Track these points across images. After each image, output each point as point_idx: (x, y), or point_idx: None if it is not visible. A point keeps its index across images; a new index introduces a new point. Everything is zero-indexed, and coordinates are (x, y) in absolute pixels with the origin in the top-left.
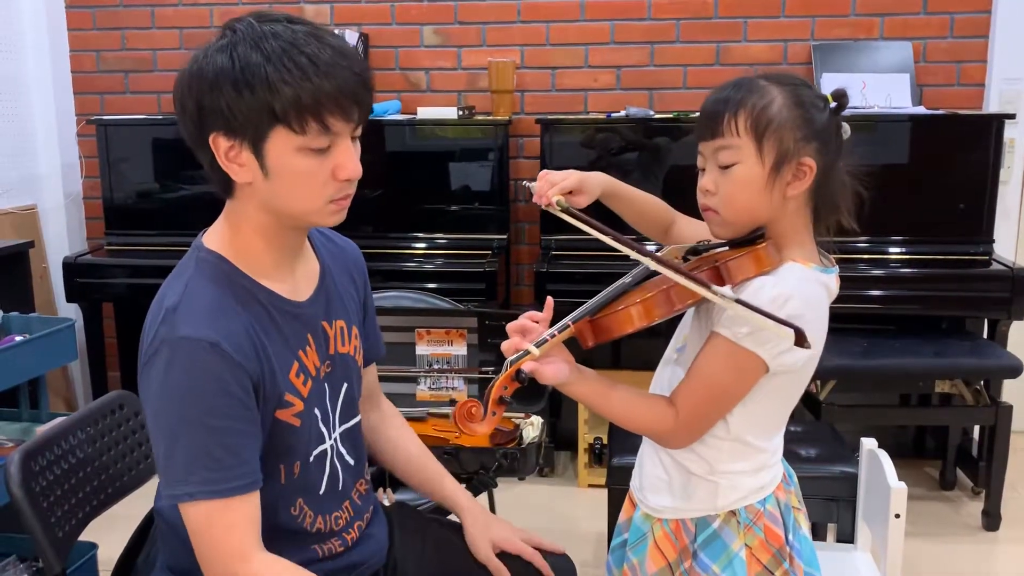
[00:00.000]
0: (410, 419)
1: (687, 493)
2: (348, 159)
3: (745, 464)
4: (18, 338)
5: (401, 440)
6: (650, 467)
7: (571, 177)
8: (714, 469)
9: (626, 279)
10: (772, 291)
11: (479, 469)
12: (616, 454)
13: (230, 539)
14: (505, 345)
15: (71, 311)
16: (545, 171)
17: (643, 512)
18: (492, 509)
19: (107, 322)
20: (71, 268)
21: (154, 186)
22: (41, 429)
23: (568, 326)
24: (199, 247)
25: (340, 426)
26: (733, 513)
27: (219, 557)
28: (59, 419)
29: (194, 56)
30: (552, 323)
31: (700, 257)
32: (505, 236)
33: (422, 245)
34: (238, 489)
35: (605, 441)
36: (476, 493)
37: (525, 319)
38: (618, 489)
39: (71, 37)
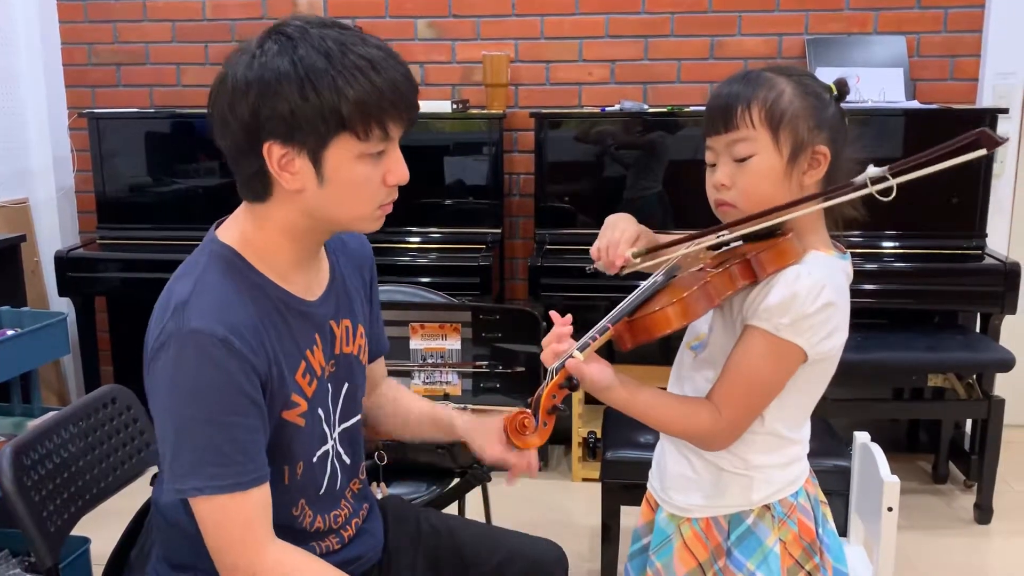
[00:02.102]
0: None
1: (719, 490)
2: (399, 164)
3: (777, 457)
4: (10, 332)
5: (386, 394)
6: (674, 466)
7: (628, 228)
8: (748, 464)
9: (657, 277)
10: (808, 280)
11: (473, 463)
12: (610, 448)
13: (243, 532)
14: (545, 354)
15: (63, 305)
16: (597, 244)
17: (668, 513)
18: (486, 503)
19: (100, 316)
20: (63, 262)
21: (146, 180)
22: (33, 423)
23: (607, 328)
24: (213, 240)
25: (339, 425)
26: (767, 507)
27: (232, 549)
28: (51, 413)
29: (242, 63)
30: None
31: (724, 252)
32: (499, 230)
33: (416, 239)
34: (246, 484)
35: (599, 435)
36: (470, 487)
37: (559, 329)
38: (612, 483)
39: (62, 30)
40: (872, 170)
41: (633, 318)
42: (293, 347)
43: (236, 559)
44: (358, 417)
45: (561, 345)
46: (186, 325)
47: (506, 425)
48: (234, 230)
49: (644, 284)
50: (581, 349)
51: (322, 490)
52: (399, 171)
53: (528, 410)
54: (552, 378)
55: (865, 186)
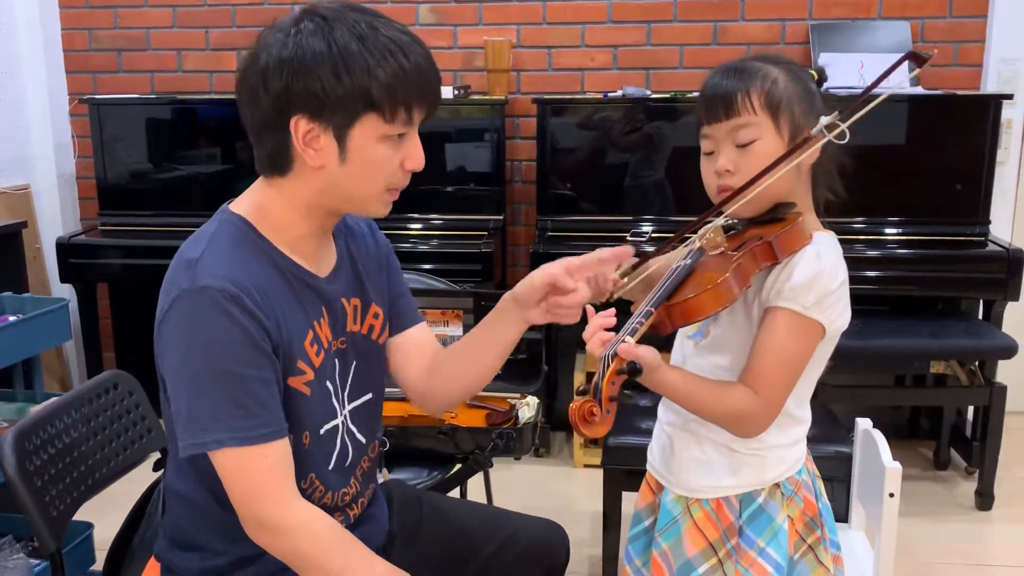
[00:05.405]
0: (403, 399)
1: (732, 470)
2: (418, 150)
3: (788, 435)
4: (12, 318)
5: (436, 359)
6: (683, 448)
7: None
8: (762, 443)
9: (686, 260)
10: (826, 261)
11: (475, 449)
12: (611, 435)
13: (266, 483)
14: (592, 344)
15: (65, 291)
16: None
17: (675, 495)
18: (488, 489)
19: (101, 302)
20: (65, 248)
21: (147, 166)
22: (35, 409)
23: (651, 313)
24: (224, 211)
25: (350, 403)
26: (777, 486)
27: (257, 502)
28: (53, 399)
29: (277, 41)
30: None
31: (738, 235)
32: (501, 217)
33: (418, 226)
34: (266, 437)
35: None
36: (472, 473)
37: (602, 321)
38: (613, 469)
39: (63, 15)
40: (824, 119)
41: (671, 303)
42: (300, 315)
43: (261, 512)
44: (370, 396)
45: (608, 333)
46: (197, 282)
47: (573, 416)
48: (247, 202)
49: (671, 268)
50: (631, 334)
51: (331, 465)
52: (416, 156)
53: (593, 399)
54: (608, 366)
55: (822, 135)
